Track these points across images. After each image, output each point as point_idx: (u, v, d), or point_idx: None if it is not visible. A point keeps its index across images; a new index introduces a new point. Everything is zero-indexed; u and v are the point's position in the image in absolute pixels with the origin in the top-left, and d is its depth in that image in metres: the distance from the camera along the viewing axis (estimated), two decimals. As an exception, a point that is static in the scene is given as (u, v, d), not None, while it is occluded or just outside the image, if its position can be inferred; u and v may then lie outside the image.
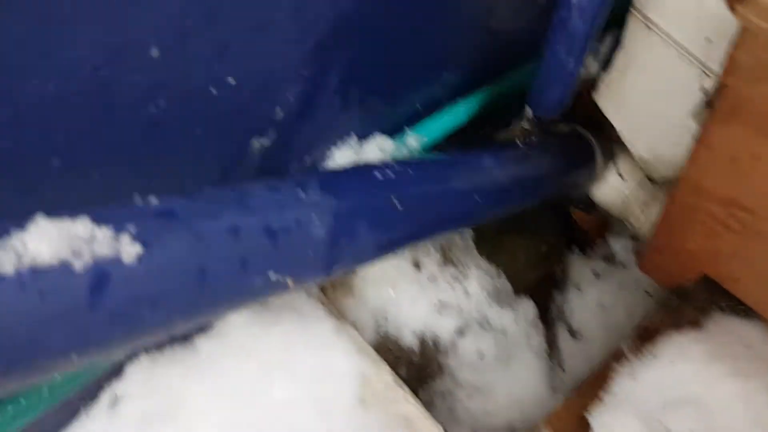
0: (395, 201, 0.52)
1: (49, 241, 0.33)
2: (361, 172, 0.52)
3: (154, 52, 0.38)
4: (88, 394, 0.61)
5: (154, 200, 0.38)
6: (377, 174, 0.53)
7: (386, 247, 0.52)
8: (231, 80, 0.44)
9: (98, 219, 0.35)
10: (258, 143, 0.49)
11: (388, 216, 0.52)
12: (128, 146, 0.40)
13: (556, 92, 0.58)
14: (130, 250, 0.35)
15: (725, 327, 0.72)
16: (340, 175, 0.51)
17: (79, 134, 0.38)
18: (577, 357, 0.82)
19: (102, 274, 0.33)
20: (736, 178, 0.58)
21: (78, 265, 0.33)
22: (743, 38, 0.46)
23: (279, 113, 0.49)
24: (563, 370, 0.82)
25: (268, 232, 0.43)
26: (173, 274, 0.37)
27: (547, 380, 0.80)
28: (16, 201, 0.37)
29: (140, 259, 0.35)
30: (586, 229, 0.95)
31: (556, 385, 0.80)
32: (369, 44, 0.52)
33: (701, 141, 0.59)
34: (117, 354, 0.37)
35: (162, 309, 0.36)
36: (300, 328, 0.67)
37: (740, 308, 0.73)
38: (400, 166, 0.55)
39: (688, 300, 0.75)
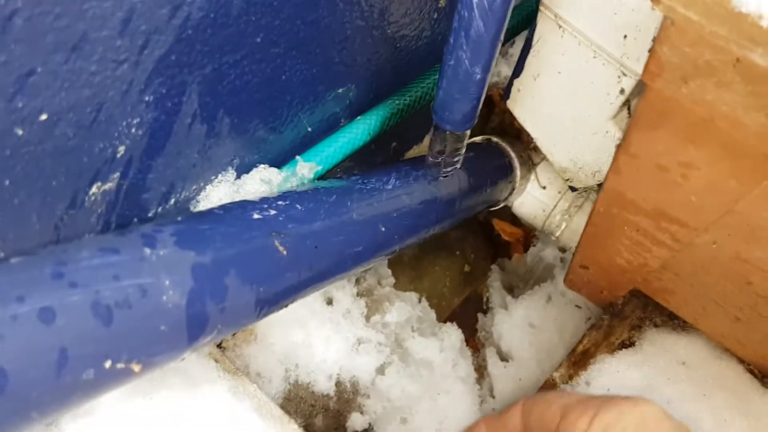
0: (278, 244, 0.43)
1: None
2: (232, 213, 0.43)
3: None
4: None
5: None
6: (254, 213, 0.44)
7: (271, 301, 0.43)
8: (42, 116, 0.34)
9: None
10: (98, 188, 0.40)
11: (271, 264, 0.43)
12: None
13: (464, 105, 0.50)
14: None
15: (660, 345, 0.67)
16: (204, 219, 0.42)
17: None
18: (508, 381, 0.75)
19: None
20: (664, 189, 0.52)
21: None
22: (666, 33, 0.39)
23: (121, 150, 0.39)
24: (493, 398, 0.75)
25: (96, 309, 0.33)
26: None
27: (478, 410, 0.73)
28: None
29: None
30: (511, 242, 0.89)
31: (487, 414, 0.73)
32: (232, 59, 0.42)
33: (623, 148, 0.52)
34: None
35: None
36: (188, 396, 0.57)
37: (675, 322, 0.68)
38: (285, 200, 0.47)
39: (619, 317, 0.70)
